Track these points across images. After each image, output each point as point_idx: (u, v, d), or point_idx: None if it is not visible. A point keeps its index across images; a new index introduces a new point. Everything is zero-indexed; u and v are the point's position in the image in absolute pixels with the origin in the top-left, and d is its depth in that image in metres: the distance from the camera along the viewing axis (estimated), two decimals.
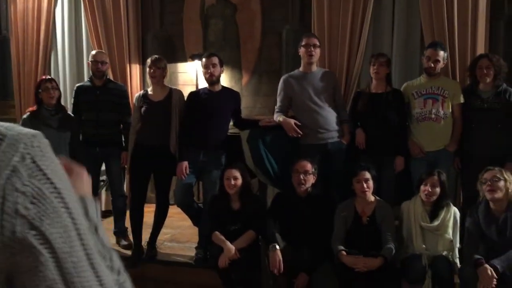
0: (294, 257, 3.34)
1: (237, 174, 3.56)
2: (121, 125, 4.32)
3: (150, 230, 4.11)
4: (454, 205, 3.46)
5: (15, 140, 0.61)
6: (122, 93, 4.42)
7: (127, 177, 4.56)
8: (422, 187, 3.36)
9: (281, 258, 3.28)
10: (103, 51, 4.87)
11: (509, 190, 3.12)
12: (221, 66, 3.96)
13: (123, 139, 4.30)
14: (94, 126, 4.22)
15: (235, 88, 4.64)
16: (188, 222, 4.24)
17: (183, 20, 5.53)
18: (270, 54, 5.26)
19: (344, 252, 3.27)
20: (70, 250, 0.61)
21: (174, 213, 4.32)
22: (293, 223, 3.48)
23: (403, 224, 3.43)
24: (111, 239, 4.31)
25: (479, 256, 3.06)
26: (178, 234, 4.64)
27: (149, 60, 4.05)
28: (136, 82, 5.39)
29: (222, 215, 3.59)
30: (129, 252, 4.12)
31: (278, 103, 4.02)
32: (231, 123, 4.11)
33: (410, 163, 3.84)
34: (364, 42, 4.36)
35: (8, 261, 0.59)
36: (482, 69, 3.67)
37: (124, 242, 4.31)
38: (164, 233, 4.34)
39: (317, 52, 3.93)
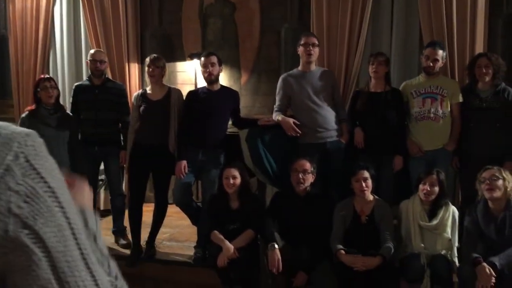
0: (293, 256, 3.34)
1: (236, 173, 3.56)
2: (120, 124, 4.32)
3: (149, 229, 4.11)
4: (453, 204, 3.46)
5: (8, 139, 0.61)
6: (120, 92, 4.42)
7: (125, 176, 4.55)
8: (420, 186, 3.36)
9: (280, 257, 3.28)
10: (102, 50, 4.87)
11: (508, 189, 3.13)
12: (220, 65, 3.96)
13: (121, 138, 4.30)
14: (93, 125, 4.22)
15: (234, 87, 4.64)
16: (187, 221, 4.24)
17: (181, 19, 5.52)
18: (269, 53, 5.26)
19: (343, 251, 3.27)
20: (64, 249, 0.61)
21: (173, 212, 4.32)
22: (292, 222, 3.48)
23: (402, 223, 3.43)
24: (110, 238, 4.31)
25: (477, 255, 3.06)
26: (177, 233, 4.64)
27: (147, 59, 4.04)
28: (134, 81, 5.39)
29: (221, 214, 3.59)
30: (127, 251, 4.12)
31: (277, 102, 4.02)
32: (230, 122, 4.11)
33: (409, 162, 3.84)
34: (363, 41, 4.36)
35: (1, 260, 0.59)
36: (481, 68, 3.67)
37: (122, 241, 4.30)
38: (163, 232, 4.34)
39: (316, 51, 3.93)
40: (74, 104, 4.33)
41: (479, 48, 4.07)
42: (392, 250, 3.24)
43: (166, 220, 4.18)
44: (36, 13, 5.52)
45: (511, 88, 3.72)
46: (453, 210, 3.37)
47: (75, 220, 0.64)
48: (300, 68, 3.99)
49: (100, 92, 4.25)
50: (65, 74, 5.69)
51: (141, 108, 3.99)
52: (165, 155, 3.92)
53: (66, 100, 5.09)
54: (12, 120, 5.28)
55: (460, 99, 3.79)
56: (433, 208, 3.35)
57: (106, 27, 5.29)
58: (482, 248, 3.16)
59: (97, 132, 4.21)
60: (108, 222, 4.47)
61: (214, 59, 3.90)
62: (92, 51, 4.50)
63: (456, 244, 3.35)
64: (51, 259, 0.60)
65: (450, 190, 3.81)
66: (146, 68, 4.03)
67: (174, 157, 3.91)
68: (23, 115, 4.12)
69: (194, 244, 4.04)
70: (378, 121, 3.82)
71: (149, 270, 3.99)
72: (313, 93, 3.87)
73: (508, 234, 3.09)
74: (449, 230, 3.31)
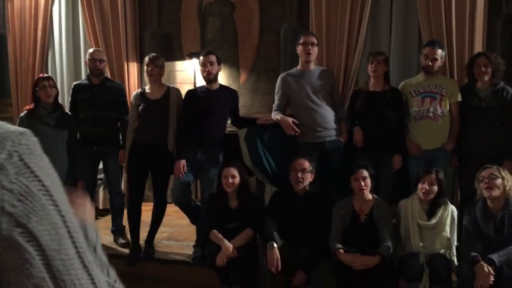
0: (291, 255, 3.34)
1: (235, 172, 3.55)
2: (119, 124, 4.31)
3: (147, 229, 4.11)
4: (452, 204, 3.46)
5: (2, 138, 0.61)
6: (119, 91, 4.41)
7: (124, 175, 4.55)
8: (419, 185, 3.36)
9: (278, 256, 3.28)
10: (101, 49, 4.86)
11: (507, 188, 3.13)
12: (219, 64, 3.96)
13: (120, 138, 4.30)
14: (92, 125, 4.21)
15: (233, 87, 4.63)
16: (185, 220, 4.24)
17: (181, 18, 5.52)
18: (268, 53, 5.26)
19: (341, 250, 3.27)
20: (59, 247, 0.61)
21: (172, 211, 4.32)
22: (291, 221, 3.48)
23: (401, 222, 3.43)
24: (109, 238, 4.31)
25: (475, 254, 3.06)
26: (176, 232, 4.63)
27: (146, 58, 4.04)
28: (133, 80, 5.38)
29: (220, 213, 3.59)
30: (126, 251, 4.12)
31: (276, 102, 4.02)
32: (229, 121, 4.11)
33: (408, 161, 3.84)
34: (362, 41, 4.36)
35: None
36: (480, 67, 3.67)
37: (121, 241, 4.30)
38: (162, 232, 4.34)
39: (315, 51, 3.93)
40: (72, 103, 4.32)
41: (478, 47, 4.07)
42: (391, 249, 3.25)
43: (165, 219, 4.18)
44: (35, 12, 5.51)
45: (510, 88, 3.72)
46: (452, 209, 3.37)
47: (71, 218, 0.64)
48: (299, 67, 3.99)
49: (99, 91, 4.24)
50: (63, 73, 5.68)
51: (140, 107, 3.99)
52: (164, 154, 3.92)
53: (65, 99, 5.08)
54: (10, 119, 5.27)
55: (459, 98, 3.79)
56: (432, 207, 3.35)
57: (105, 26, 5.28)
58: (481, 247, 3.16)
59: (96, 131, 4.20)
60: (107, 221, 4.46)
61: (213, 58, 3.90)
62: (91, 50, 4.50)
63: (455, 243, 3.35)
64: (46, 258, 0.59)
65: (449, 189, 3.81)
66: (145, 67, 4.03)
67: (173, 156, 3.90)
68: (22, 114, 4.11)
69: (193, 243, 4.04)
70: (377, 120, 3.82)
71: (148, 269, 3.99)
72: (312, 92, 3.87)
73: (507, 232, 3.09)
74: (448, 229, 3.31)
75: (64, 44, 5.65)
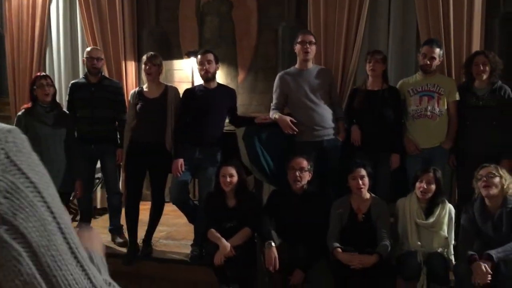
0: (289, 254, 3.34)
1: (233, 171, 3.55)
2: (116, 122, 4.31)
3: (145, 228, 4.10)
4: (449, 202, 3.46)
5: None
6: (117, 90, 4.40)
7: (122, 174, 4.54)
8: (417, 184, 3.36)
9: (276, 255, 3.28)
10: (98, 47, 4.85)
11: (504, 187, 3.13)
12: (217, 63, 3.95)
13: (118, 136, 4.29)
14: (89, 123, 4.20)
15: (231, 85, 4.63)
16: (183, 219, 4.24)
17: (178, 17, 5.51)
18: (266, 51, 5.26)
19: (339, 249, 3.27)
20: (48, 243, 0.60)
21: (170, 210, 4.32)
22: (289, 220, 3.48)
23: (399, 221, 3.44)
24: (107, 237, 4.30)
25: (472, 252, 3.07)
26: (174, 231, 4.63)
27: (144, 57, 4.04)
28: (131, 79, 5.38)
29: (217, 212, 3.59)
30: (124, 250, 4.12)
31: (274, 100, 4.01)
32: (227, 120, 4.10)
33: (406, 160, 3.84)
34: (360, 39, 4.36)
35: None
36: (479, 65, 3.68)
37: (119, 240, 4.30)
38: (160, 231, 4.34)
39: (313, 49, 3.92)
40: (70, 102, 4.31)
41: (476, 46, 4.07)
42: (389, 248, 3.25)
43: (162, 218, 4.18)
44: (32, 11, 5.49)
45: (508, 87, 3.73)
46: (449, 208, 3.37)
47: (62, 214, 0.63)
48: (297, 66, 3.99)
49: (97, 90, 4.23)
50: (61, 72, 5.67)
51: (138, 106, 3.98)
52: (161, 153, 3.92)
53: (63, 98, 5.06)
54: (8, 118, 5.27)
55: (457, 97, 3.79)
56: (430, 206, 3.35)
57: (102, 25, 5.27)
58: (479, 245, 3.16)
59: (94, 130, 4.19)
60: (104, 220, 4.46)
61: (210, 56, 3.89)
62: (88, 48, 4.50)
63: (453, 242, 3.36)
64: (34, 254, 0.59)
65: (447, 188, 3.81)
66: (143, 66, 4.03)
67: (170, 155, 3.90)
68: (20, 113, 4.10)
69: (191, 242, 4.04)
70: (375, 119, 3.82)
71: (145, 268, 3.99)
72: (310, 91, 3.86)
73: (505, 231, 3.10)
74: (445, 228, 3.32)
75: (62, 43, 5.64)
